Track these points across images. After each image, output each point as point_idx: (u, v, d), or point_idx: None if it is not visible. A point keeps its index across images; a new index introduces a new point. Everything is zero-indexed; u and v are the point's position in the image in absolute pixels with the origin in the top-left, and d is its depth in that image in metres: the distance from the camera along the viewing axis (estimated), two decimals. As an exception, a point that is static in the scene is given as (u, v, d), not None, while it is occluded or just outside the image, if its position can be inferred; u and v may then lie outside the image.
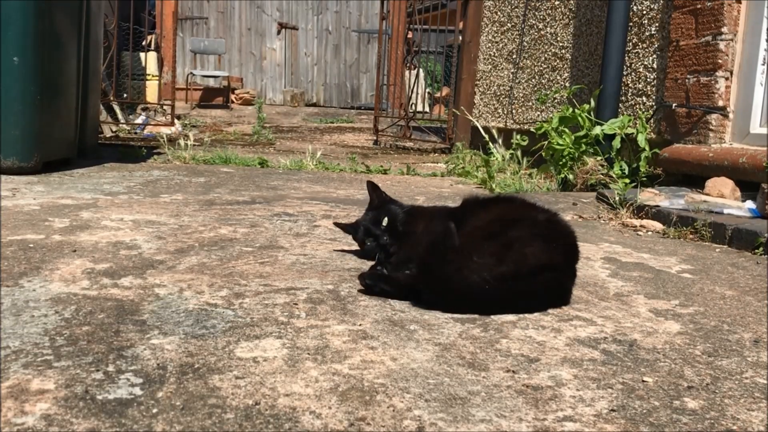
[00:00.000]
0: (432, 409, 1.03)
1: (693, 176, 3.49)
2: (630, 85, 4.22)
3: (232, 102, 12.58)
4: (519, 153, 4.67)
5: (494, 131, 5.19)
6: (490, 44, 6.21)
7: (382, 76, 8.53)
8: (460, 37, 6.92)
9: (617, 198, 3.12)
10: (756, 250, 2.37)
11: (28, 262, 1.76)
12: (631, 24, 4.18)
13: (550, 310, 1.57)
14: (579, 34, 4.88)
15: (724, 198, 3.00)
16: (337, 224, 2.08)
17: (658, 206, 2.90)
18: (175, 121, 7.10)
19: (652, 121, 3.98)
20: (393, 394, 1.07)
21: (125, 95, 7.41)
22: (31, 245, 1.94)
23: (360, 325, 1.40)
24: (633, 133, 3.79)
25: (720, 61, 3.47)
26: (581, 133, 3.91)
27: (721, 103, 3.49)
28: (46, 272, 1.68)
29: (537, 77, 5.43)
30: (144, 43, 8.82)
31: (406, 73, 8.87)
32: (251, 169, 4.49)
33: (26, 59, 3.30)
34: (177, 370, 1.12)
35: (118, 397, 1.01)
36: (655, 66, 4.03)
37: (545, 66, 5.31)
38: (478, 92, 6.41)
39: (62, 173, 3.59)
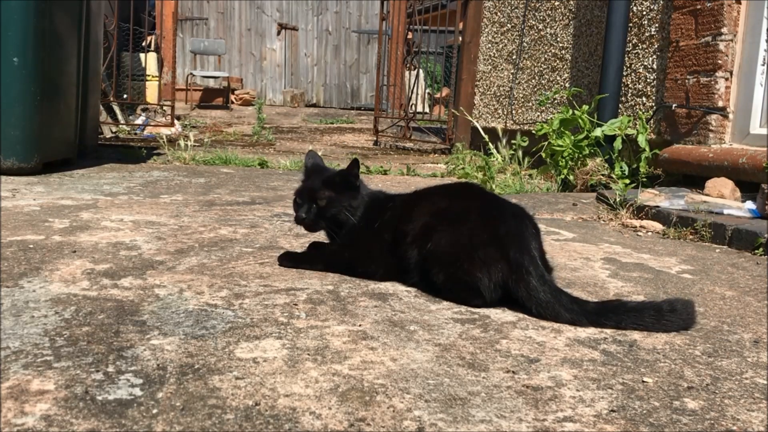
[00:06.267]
0: (432, 410, 1.03)
1: (693, 177, 3.49)
2: (630, 85, 4.22)
3: (232, 102, 12.58)
4: (519, 153, 4.67)
5: (495, 132, 5.19)
6: (490, 45, 6.21)
7: (382, 76, 8.53)
8: (460, 38, 6.92)
9: (617, 198, 3.12)
10: (756, 251, 2.37)
11: (28, 262, 1.76)
12: (631, 24, 4.18)
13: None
14: (579, 35, 4.88)
15: (724, 198, 3.00)
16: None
17: (658, 207, 2.90)
18: (175, 121, 7.10)
19: (652, 121, 3.98)
20: (393, 395, 1.07)
21: (125, 96, 7.41)
22: (31, 246, 1.94)
23: (360, 325, 1.40)
24: (633, 134, 3.79)
25: (720, 61, 3.47)
26: (581, 135, 3.90)
27: (721, 104, 3.49)
28: (46, 273, 1.68)
29: (537, 78, 5.43)
30: (144, 43, 8.82)
31: (406, 73, 8.86)
32: (251, 169, 4.49)
33: (26, 59, 3.30)
34: (177, 371, 1.12)
35: (118, 398, 1.01)
36: (655, 66, 4.03)
37: (545, 66, 5.31)
38: (478, 93, 6.41)
39: (62, 174, 3.59)
